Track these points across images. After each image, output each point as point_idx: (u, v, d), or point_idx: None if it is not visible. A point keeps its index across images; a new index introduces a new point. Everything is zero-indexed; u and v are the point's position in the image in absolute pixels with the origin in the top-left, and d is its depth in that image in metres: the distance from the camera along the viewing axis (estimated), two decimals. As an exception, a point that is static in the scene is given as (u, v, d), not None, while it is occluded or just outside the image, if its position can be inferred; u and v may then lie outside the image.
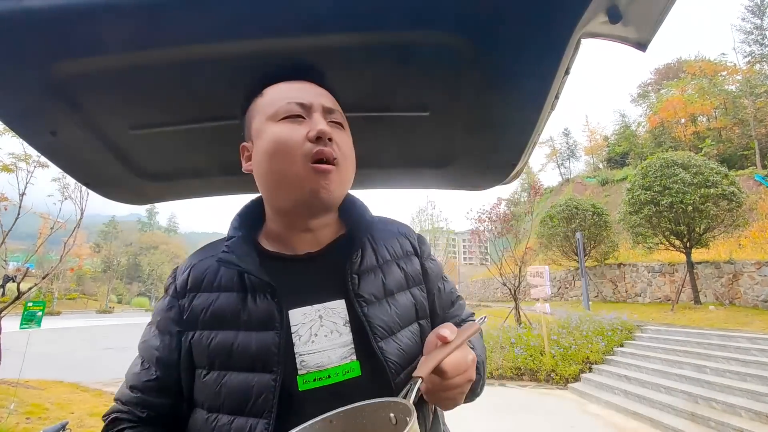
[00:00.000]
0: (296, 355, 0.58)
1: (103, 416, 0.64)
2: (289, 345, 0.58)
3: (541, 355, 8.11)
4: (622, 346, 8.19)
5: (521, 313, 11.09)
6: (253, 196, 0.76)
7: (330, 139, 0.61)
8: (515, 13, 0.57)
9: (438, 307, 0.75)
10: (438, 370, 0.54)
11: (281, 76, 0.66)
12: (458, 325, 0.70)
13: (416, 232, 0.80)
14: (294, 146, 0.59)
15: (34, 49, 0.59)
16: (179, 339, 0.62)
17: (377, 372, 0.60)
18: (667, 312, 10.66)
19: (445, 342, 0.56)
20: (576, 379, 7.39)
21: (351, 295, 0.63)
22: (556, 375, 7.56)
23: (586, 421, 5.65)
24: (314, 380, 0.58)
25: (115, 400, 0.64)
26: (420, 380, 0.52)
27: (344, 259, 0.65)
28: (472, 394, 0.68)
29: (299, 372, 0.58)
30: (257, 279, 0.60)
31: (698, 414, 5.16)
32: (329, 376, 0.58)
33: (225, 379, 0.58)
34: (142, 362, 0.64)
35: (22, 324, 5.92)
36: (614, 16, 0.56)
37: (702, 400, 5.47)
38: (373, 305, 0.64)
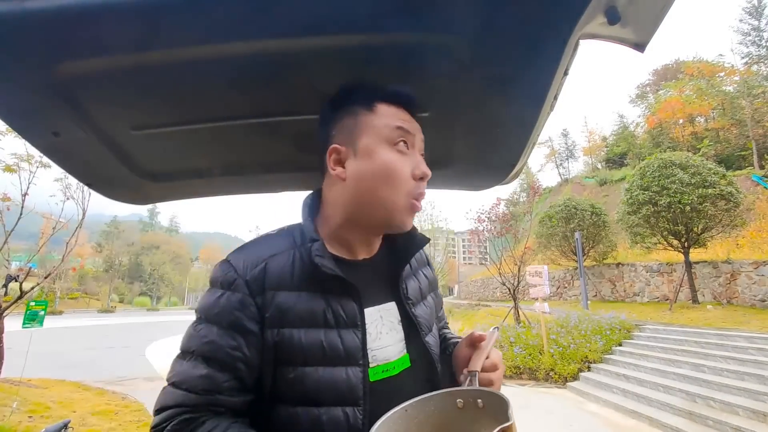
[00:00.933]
0: (369, 351, 0.65)
1: (157, 426, 0.58)
2: (364, 341, 0.65)
3: (540, 354, 8.13)
4: (620, 345, 8.21)
5: (520, 313, 11.11)
6: (254, 197, 0.77)
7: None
8: (514, 14, 0.57)
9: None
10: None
11: (392, 98, 0.69)
12: (441, 321, 0.92)
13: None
14: (403, 180, 0.67)
15: (37, 51, 0.59)
16: (260, 337, 0.61)
17: (423, 362, 0.72)
18: (665, 311, 10.69)
19: (482, 342, 0.73)
20: (575, 378, 7.42)
21: (402, 298, 0.73)
22: (555, 374, 7.58)
23: (585, 420, 5.67)
24: (382, 372, 0.66)
25: (172, 407, 0.59)
26: (477, 372, 0.66)
27: (391, 265, 0.76)
28: None
29: (371, 365, 0.65)
30: (344, 281, 0.64)
31: (696, 413, 5.19)
32: (394, 368, 0.67)
33: (316, 374, 0.61)
34: (207, 363, 0.60)
35: (24, 323, 5.91)
36: (613, 17, 0.56)
37: (700, 398, 5.50)
38: (416, 306, 0.75)
